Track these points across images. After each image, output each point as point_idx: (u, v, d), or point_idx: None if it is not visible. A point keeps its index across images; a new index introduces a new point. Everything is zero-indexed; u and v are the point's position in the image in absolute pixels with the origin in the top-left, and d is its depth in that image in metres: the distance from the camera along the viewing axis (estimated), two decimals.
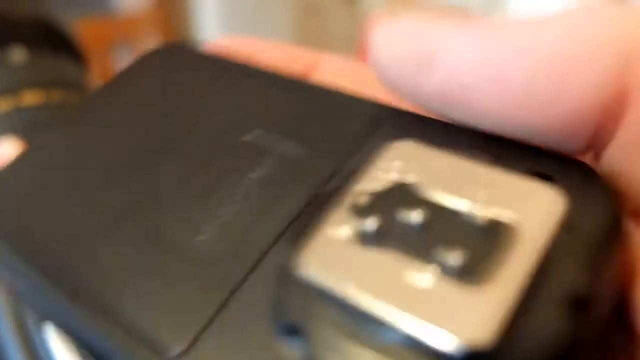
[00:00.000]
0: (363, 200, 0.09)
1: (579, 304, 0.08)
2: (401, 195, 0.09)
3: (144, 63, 0.17)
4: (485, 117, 0.09)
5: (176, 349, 0.09)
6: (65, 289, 0.11)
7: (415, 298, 0.08)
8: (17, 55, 0.28)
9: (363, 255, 0.08)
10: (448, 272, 0.08)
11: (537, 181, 0.09)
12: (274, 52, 0.17)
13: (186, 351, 0.09)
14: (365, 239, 0.08)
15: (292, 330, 0.08)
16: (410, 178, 0.09)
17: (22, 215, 0.13)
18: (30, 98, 0.27)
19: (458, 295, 0.07)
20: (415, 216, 0.08)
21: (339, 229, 0.09)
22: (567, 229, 0.08)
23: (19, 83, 0.27)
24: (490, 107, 0.09)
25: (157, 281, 0.10)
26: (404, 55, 0.10)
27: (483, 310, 0.07)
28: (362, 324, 0.08)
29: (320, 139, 0.12)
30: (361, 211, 0.09)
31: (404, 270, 0.08)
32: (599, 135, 0.10)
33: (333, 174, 0.11)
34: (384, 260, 0.08)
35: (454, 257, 0.08)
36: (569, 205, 0.09)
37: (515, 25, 0.10)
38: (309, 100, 0.13)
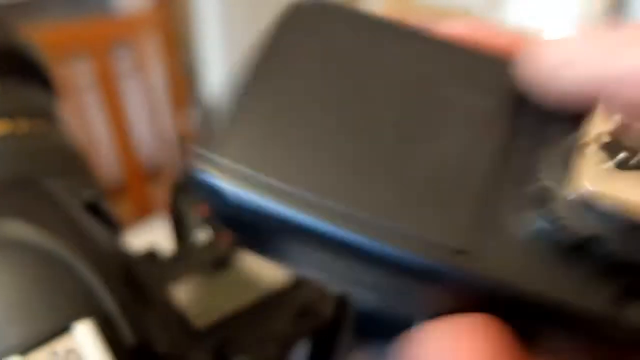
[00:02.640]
0: (606, 139, 0.12)
1: None
2: (623, 134, 0.12)
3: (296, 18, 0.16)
4: None
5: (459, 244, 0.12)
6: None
7: None
8: None
9: (626, 177, 0.11)
10: None
11: None
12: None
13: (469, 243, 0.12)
14: (621, 165, 0.11)
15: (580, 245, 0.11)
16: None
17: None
18: None
19: None
20: None
21: (597, 160, 0.11)
22: None
23: None
24: None
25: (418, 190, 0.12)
26: None
27: None
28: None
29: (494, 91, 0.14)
30: (608, 147, 0.11)
31: None
32: None
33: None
34: None
35: None
36: None
37: None
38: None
